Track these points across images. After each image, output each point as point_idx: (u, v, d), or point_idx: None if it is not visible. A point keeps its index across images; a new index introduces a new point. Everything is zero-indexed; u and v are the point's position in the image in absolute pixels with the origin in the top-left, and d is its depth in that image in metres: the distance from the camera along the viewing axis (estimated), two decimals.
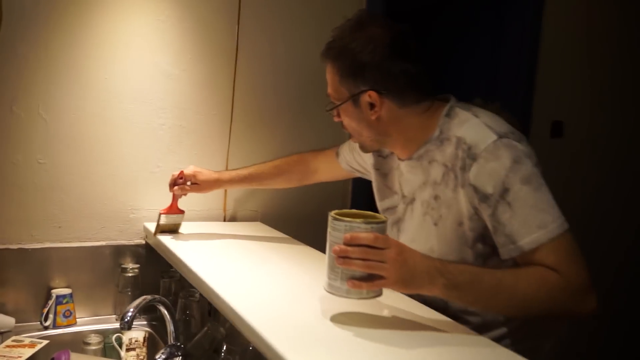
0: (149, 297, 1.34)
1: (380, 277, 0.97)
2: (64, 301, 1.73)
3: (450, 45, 2.96)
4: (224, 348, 1.45)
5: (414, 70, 1.19)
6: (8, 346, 1.57)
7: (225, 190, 2.00)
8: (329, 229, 1.02)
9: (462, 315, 1.22)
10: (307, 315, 1.12)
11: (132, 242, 1.86)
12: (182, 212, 1.76)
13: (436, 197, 1.22)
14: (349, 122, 1.27)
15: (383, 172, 1.42)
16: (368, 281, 0.98)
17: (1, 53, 1.63)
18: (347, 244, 0.96)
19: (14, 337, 1.61)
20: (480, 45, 2.80)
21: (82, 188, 1.79)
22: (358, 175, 1.62)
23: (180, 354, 1.41)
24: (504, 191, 1.08)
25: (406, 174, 1.32)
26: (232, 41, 1.94)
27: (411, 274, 0.99)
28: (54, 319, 1.71)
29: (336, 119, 1.30)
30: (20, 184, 1.70)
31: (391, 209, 1.38)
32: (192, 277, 1.41)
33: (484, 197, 1.11)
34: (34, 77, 1.68)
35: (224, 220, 2.02)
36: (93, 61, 1.76)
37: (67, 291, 1.74)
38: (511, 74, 2.60)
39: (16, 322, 1.68)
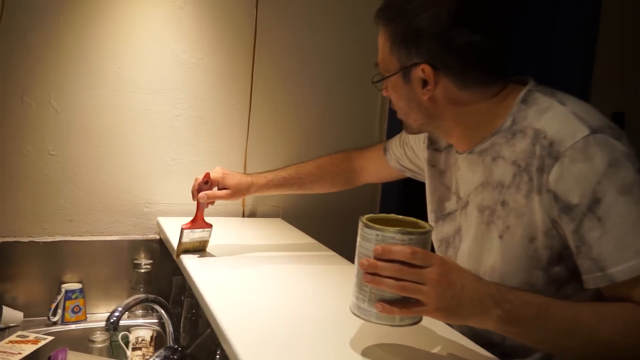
0: (141, 296, 1.26)
1: (418, 302, 0.80)
2: (73, 296, 1.68)
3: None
4: None
5: (485, 45, 0.95)
6: (11, 341, 1.53)
7: None
8: (358, 238, 0.85)
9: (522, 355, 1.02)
10: (324, 343, 0.94)
11: (145, 237, 1.79)
12: (209, 226, 1.40)
13: (504, 204, 0.98)
14: (396, 99, 1.05)
15: (439, 169, 1.18)
16: (401, 306, 0.80)
17: (11, 41, 1.59)
18: (378, 258, 0.80)
19: (19, 332, 1.58)
20: (532, 25, 2.57)
21: (95, 180, 1.73)
22: (409, 175, 1.40)
23: (176, 357, 1.33)
24: (594, 202, 0.85)
25: (463, 171, 1.09)
26: (250, 27, 1.84)
27: (457, 301, 0.80)
28: (63, 315, 1.66)
29: (384, 93, 1.08)
30: (31, 176, 1.66)
31: (450, 214, 1.14)
32: (196, 292, 1.21)
33: (566, 208, 0.88)
34: (45, 66, 1.64)
35: (243, 216, 1.93)
36: (106, 49, 1.70)
37: (76, 286, 1.70)
38: (566, 60, 2.37)
39: (25, 317, 1.65)
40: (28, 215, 1.68)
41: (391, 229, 0.80)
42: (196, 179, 1.40)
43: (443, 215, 1.15)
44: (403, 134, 1.36)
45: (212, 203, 1.41)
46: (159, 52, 1.76)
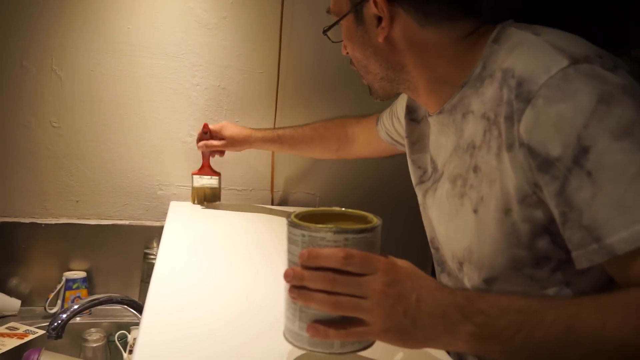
0: (101, 296, 1.03)
1: (360, 322, 0.60)
2: (74, 286, 1.50)
3: None
4: None
5: None
6: (0, 334, 1.38)
7: (272, 167, 1.64)
8: (286, 241, 0.66)
9: None
10: None
11: (159, 223, 1.58)
12: (216, 174, 1.51)
13: (476, 169, 0.79)
14: (352, 49, 0.89)
15: (414, 140, 1.00)
16: (339, 328, 0.61)
17: (9, 0, 1.42)
18: (305, 265, 0.61)
19: (10, 324, 1.43)
20: None
21: (103, 157, 1.54)
22: (401, 149, 1.17)
23: None
24: (581, 152, 0.64)
25: (436, 137, 0.91)
26: None
27: (412, 318, 0.60)
28: (62, 306, 1.49)
29: (343, 52, 0.93)
30: (32, 150, 1.49)
31: (428, 192, 0.95)
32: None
33: (545, 164, 0.67)
34: (47, 27, 1.45)
35: (272, 204, 1.66)
36: (114, 7, 1.48)
37: (79, 275, 1.52)
38: None
39: (24, 306, 1.49)
40: (29, 194, 1.51)
41: (321, 226, 0.62)
42: (198, 132, 1.48)
43: (423, 194, 0.97)
44: (393, 105, 1.19)
45: (212, 154, 1.49)
46: (175, 10, 1.52)
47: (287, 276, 0.62)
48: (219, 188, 1.53)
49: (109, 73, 1.50)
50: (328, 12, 0.90)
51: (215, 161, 1.49)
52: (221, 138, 1.45)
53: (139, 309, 1.10)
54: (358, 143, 1.37)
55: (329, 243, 0.61)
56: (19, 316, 1.47)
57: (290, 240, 0.64)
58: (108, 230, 1.56)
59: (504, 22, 0.80)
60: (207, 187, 1.52)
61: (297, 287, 0.61)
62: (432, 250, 0.96)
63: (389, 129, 1.21)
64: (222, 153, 1.50)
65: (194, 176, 1.50)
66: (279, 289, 0.89)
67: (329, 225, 0.62)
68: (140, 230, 1.58)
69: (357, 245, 0.61)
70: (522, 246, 0.75)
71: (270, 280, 1.04)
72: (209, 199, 1.52)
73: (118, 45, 1.50)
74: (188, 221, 1.41)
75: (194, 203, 1.52)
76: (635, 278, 0.62)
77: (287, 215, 0.65)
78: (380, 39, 0.82)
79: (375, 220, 0.65)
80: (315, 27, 1.60)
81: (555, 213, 0.68)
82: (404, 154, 1.10)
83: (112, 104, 1.52)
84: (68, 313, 0.97)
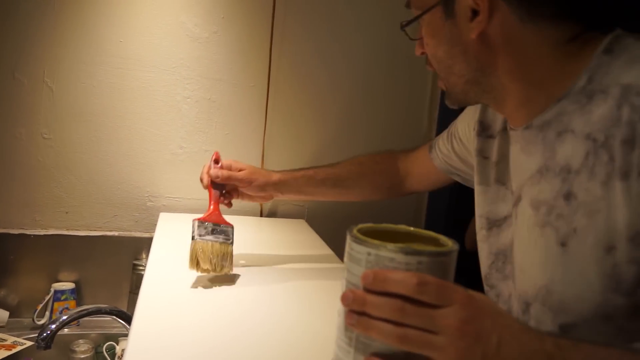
0: (90, 307, 1.04)
1: None
2: (63, 297, 1.50)
3: None
4: None
5: None
6: None
7: None
8: (345, 258, 0.59)
9: None
10: None
11: (148, 235, 1.58)
12: (229, 224, 1.07)
13: (569, 196, 0.68)
14: (434, 47, 0.78)
15: (491, 160, 0.88)
16: None
17: (2, 10, 1.43)
18: (369, 289, 0.54)
19: None
20: None
21: (93, 169, 1.55)
22: (457, 179, 1.09)
23: None
24: None
25: (516, 155, 0.79)
26: None
27: None
28: (50, 317, 1.49)
29: (418, 52, 0.82)
30: (22, 161, 1.50)
31: (508, 218, 0.84)
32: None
33: None
34: (39, 40, 1.46)
35: (261, 216, 1.67)
36: (107, 21, 1.50)
37: (67, 286, 1.52)
38: None
39: (12, 317, 1.49)
40: (19, 205, 1.51)
41: (391, 245, 0.54)
42: (205, 165, 1.15)
43: (497, 221, 0.85)
44: (452, 126, 1.08)
45: (226, 199, 1.14)
46: (167, 25, 1.54)
47: (345, 299, 0.55)
48: (232, 252, 1.04)
49: (100, 85, 1.52)
50: (407, 6, 0.80)
51: None
52: (239, 169, 1.15)
53: (128, 319, 1.11)
54: (411, 177, 1.22)
55: (399, 265, 0.54)
56: (7, 327, 1.47)
57: (352, 258, 0.57)
58: (97, 241, 1.57)
59: (613, 30, 0.70)
60: (217, 243, 1.02)
61: (358, 312, 0.55)
62: (486, 288, 0.87)
63: (446, 155, 1.09)
64: (229, 200, 1.16)
65: (195, 221, 1.03)
66: (269, 300, 0.90)
67: (400, 245, 0.54)
68: (129, 241, 1.58)
69: (431, 270, 0.54)
70: (621, 292, 0.64)
71: (261, 291, 1.04)
72: (217, 260, 1.01)
73: (110, 58, 1.51)
74: (177, 232, 1.42)
75: (192, 268, 1.00)
76: None
77: (349, 229, 0.59)
78: (473, 35, 0.71)
79: (451, 244, 0.58)
80: (305, 41, 1.63)
81: None
82: None
83: (103, 115, 1.53)
84: (57, 323, 0.98)
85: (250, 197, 1.19)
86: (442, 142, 1.10)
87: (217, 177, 1.10)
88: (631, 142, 0.61)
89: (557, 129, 0.71)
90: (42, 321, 1.49)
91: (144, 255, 1.59)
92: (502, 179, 0.85)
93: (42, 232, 1.53)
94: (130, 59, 1.53)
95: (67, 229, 1.55)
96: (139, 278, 1.56)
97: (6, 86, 1.46)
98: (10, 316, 1.48)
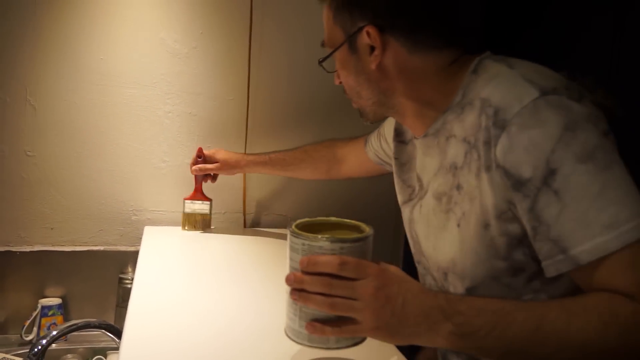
0: (79, 321, 1.06)
1: (353, 321, 0.71)
2: (50, 313, 1.52)
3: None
4: None
5: (434, 1, 0.87)
6: None
7: (244, 191, 1.69)
8: (287, 248, 0.75)
9: None
10: None
11: (133, 248, 1.60)
12: (208, 199, 1.57)
13: (459, 187, 0.87)
14: (346, 77, 0.95)
15: (402, 161, 1.07)
16: (334, 326, 0.71)
17: None
18: (304, 271, 0.71)
19: None
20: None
21: (77, 185, 1.57)
22: (389, 168, 1.25)
23: None
24: (550, 173, 0.73)
25: (421, 158, 0.98)
26: (246, 11, 1.62)
27: (399, 318, 0.70)
28: (38, 333, 1.50)
29: (336, 81, 0.99)
30: (6, 179, 1.52)
31: (415, 208, 1.02)
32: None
33: (518, 184, 0.76)
34: (21, 58, 1.49)
35: (244, 227, 1.71)
36: (88, 39, 1.53)
37: (54, 302, 1.54)
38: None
39: (0, 333, 1.52)
40: (4, 222, 1.53)
41: (319, 236, 0.71)
42: (192, 157, 1.55)
43: (410, 210, 1.03)
44: (380, 127, 1.28)
45: (205, 178, 1.57)
46: (147, 41, 1.57)
47: (288, 280, 0.72)
48: (210, 215, 1.58)
49: (82, 102, 1.54)
50: (322, 45, 0.96)
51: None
52: (215, 161, 1.52)
53: (117, 333, 1.13)
54: (347, 164, 1.43)
55: (326, 251, 0.70)
56: None
57: (292, 249, 0.73)
58: (83, 256, 1.58)
59: (482, 53, 0.88)
60: (199, 214, 1.56)
61: (298, 290, 0.71)
62: (416, 264, 1.03)
63: (377, 150, 1.28)
64: (214, 179, 1.59)
65: (186, 201, 1.56)
66: (258, 309, 0.96)
67: (326, 235, 0.70)
68: (115, 255, 1.61)
69: (352, 252, 0.70)
70: (500, 257, 0.82)
71: (249, 300, 1.09)
72: (199, 225, 1.57)
73: (91, 75, 1.54)
74: (163, 245, 1.45)
75: (184, 229, 1.57)
76: (597, 284, 0.71)
77: (288, 225, 0.75)
78: (373, 66, 0.88)
79: (367, 230, 0.75)
80: (282, 54, 1.67)
81: (527, 227, 0.77)
82: (383, 174, 1.25)
83: (85, 132, 1.56)
84: (48, 338, 1.00)
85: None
86: (374, 139, 1.30)
87: (195, 171, 1.54)
88: (488, 143, 0.78)
89: (445, 134, 0.89)
90: (30, 337, 1.50)
91: (129, 269, 1.61)
92: (411, 178, 1.03)
93: (28, 249, 1.55)
94: (111, 76, 1.55)
95: (53, 245, 1.57)
96: (125, 291, 1.58)
97: None
98: None
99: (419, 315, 0.71)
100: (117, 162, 1.59)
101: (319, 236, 0.70)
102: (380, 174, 1.36)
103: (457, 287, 0.88)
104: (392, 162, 1.10)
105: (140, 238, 1.59)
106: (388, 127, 1.18)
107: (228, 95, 1.65)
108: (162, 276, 1.19)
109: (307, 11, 1.65)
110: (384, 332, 0.71)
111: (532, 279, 0.83)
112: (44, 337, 1.00)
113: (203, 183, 1.57)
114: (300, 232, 0.72)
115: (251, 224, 1.72)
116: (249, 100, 1.65)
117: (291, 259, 0.73)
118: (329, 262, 0.69)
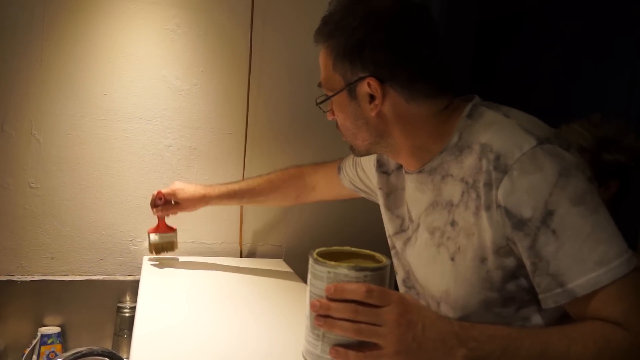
0: (83, 349, 1.09)
1: (376, 346, 0.76)
2: (49, 341, 1.55)
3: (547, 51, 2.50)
4: None
5: (428, 55, 0.94)
6: None
7: (241, 222, 1.74)
8: (309, 275, 0.80)
9: None
10: None
11: (132, 278, 1.65)
12: (172, 230, 1.60)
13: (453, 223, 0.93)
14: (343, 119, 1.01)
15: (388, 192, 1.14)
16: (358, 351, 0.76)
17: None
18: (330, 298, 0.76)
19: None
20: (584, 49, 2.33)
21: (78, 216, 1.61)
22: (363, 195, 1.33)
23: None
24: (548, 214, 0.81)
25: (412, 192, 1.04)
26: (245, 51, 1.70)
27: (419, 343, 0.76)
28: None
29: (330, 117, 1.05)
30: (10, 210, 1.56)
31: (409, 240, 1.07)
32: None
33: (519, 223, 0.83)
34: (27, 94, 1.55)
35: (240, 256, 1.76)
36: (92, 75, 1.59)
37: (53, 330, 1.57)
38: (621, 85, 2.11)
39: None
40: (6, 252, 1.57)
41: (344, 264, 0.76)
42: (152, 194, 1.54)
43: (403, 242, 1.09)
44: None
45: (168, 215, 1.57)
46: (150, 78, 1.64)
47: (314, 307, 0.76)
48: (176, 240, 1.61)
49: (85, 136, 1.60)
50: (319, 86, 1.02)
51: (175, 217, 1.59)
52: (176, 202, 1.53)
53: (116, 358, 1.17)
54: (318, 190, 1.49)
55: (351, 279, 0.75)
56: None
57: (315, 276, 0.78)
58: (82, 285, 1.62)
59: (472, 99, 0.96)
60: (166, 242, 1.59)
61: (323, 315, 0.76)
62: (405, 289, 1.09)
63: (352, 178, 1.33)
64: (175, 213, 1.58)
65: (151, 234, 1.57)
66: (261, 335, 1.01)
67: (351, 264, 0.76)
68: (113, 284, 1.64)
69: (374, 280, 0.76)
70: (494, 289, 0.90)
71: (251, 327, 1.13)
72: (167, 250, 1.60)
73: (95, 110, 1.60)
74: (163, 275, 1.49)
75: (151, 254, 1.60)
76: (589, 314, 0.80)
77: (310, 253, 0.80)
78: (373, 114, 0.95)
79: (385, 260, 0.81)
80: (280, 90, 1.74)
81: (527, 263, 0.84)
82: (367, 201, 1.30)
83: (88, 164, 1.61)
84: None
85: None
86: (348, 167, 1.34)
87: (158, 212, 1.55)
88: (489, 184, 0.85)
89: (441, 173, 0.96)
90: None
91: (127, 298, 1.65)
92: (400, 208, 1.09)
93: (29, 278, 1.58)
94: (114, 111, 1.61)
95: (53, 274, 1.61)
96: (123, 320, 1.61)
97: None
98: None
99: (436, 341, 0.76)
100: (118, 193, 1.64)
101: (344, 264, 0.75)
102: (351, 197, 1.42)
103: (449, 315, 0.94)
104: (377, 192, 1.16)
105: (139, 267, 1.64)
106: (365, 157, 1.23)
107: (227, 130, 1.71)
108: (164, 304, 1.23)
109: (303, 51, 1.73)
110: (404, 356, 0.76)
111: (521, 308, 0.90)
112: None
113: (166, 217, 1.59)
114: (324, 260, 0.77)
115: (247, 254, 1.77)
116: (247, 135, 1.72)
117: (313, 285, 0.78)
118: (356, 290, 0.74)
